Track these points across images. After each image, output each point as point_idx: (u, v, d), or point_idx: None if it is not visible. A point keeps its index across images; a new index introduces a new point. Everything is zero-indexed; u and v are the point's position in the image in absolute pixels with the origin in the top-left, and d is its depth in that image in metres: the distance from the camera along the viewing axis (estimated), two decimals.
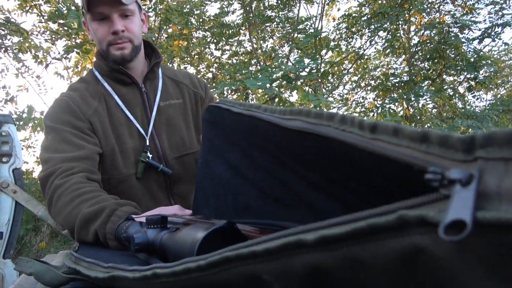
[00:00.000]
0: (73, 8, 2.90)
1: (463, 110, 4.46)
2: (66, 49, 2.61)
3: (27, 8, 3.14)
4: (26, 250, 2.75)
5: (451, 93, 4.61)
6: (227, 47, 4.29)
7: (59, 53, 3.16)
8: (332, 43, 4.35)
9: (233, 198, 0.69)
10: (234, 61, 4.35)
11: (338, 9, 6.75)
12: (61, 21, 2.70)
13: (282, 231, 0.26)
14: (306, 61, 2.53)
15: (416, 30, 4.53)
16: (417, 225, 0.19)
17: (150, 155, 1.02)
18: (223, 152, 0.74)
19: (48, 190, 0.86)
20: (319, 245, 0.23)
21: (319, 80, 3.19)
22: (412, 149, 0.24)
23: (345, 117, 0.33)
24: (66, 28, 2.51)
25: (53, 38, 2.89)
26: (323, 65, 3.63)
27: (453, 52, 4.08)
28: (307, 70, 2.45)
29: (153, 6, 2.55)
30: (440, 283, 0.21)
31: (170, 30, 3.03)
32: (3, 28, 2.68)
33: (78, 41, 3.00)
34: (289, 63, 3.90)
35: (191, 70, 4.29)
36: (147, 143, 1.02)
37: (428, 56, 4.10)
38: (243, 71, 2.86)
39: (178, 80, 1.14)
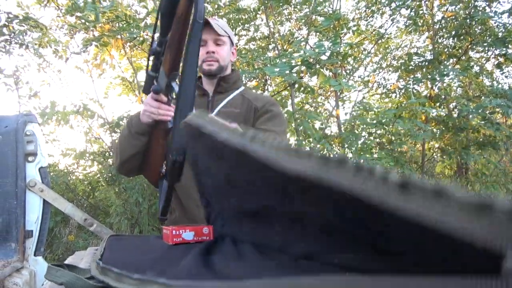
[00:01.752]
0: (89, 0, 2.90)
1: (490, 88, 4.27)
2: (85, 43, 2.62)
3: (44, 2, 3.15)
4: (56, 242, 2.84)
5: (478, 71, 4.42)
6: (244, 32, 4.21)
7: (78, 46, 3.18)
8: (351, 23, 4.21)
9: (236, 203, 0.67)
10: (252, 46, 4.28)
11: None
12: (79, 14, 2.71)
13: None
14: (326, 44, 2.46)
15: (440, 5, 4.33)
16: None
17: None
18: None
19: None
20: None
21: (339, 63, 3.11)
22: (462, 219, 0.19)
23: (361, 165, 0.26)
24: (83, 21, 2.51)
25: (72, 32, 2.90)
26: (343, 46, 3.53)
27: (480, 27, 3.88)
28: (327, 54, 2.38)
29: None
30: None
31: None
32: (23, 24, 2.70)
33: (96, 33, 3.01)
34: (308, 47, 3.81)
35: None
36: None
37: (453, 33, 3.93)
38: (261, 58, 2.81)
39: (246, 97, 1.41)
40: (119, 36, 2.72)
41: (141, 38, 2.59)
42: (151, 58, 1.14)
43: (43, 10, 3.18)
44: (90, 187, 4.15)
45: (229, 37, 1.37)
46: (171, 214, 1.42)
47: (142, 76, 5.69)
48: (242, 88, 1.44)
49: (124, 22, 2.38)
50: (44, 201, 1.28)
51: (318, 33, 3.52)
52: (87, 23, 2.43)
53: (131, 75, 4.10)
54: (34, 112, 3.00)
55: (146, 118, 1.17)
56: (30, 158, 1.27)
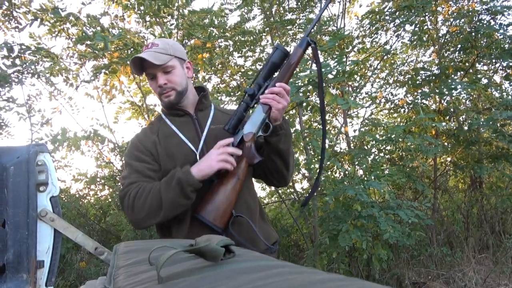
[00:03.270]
0: (98, 28, 2.98)
1: (500, 100, 4.23)
2: (95, 71, 2.68)
3: (56, 33, 3.24)
4: (68, 268, 2.84)
5: (487, 83, 4.39)
6: (250, 54, 4.27)
7: (88, 73, 3.26)
8: (356, 41, 4.25)
9: None
10: (258, 66, 4.33)
11: (360, 5, 6.60)
12: (88, 42, 2.78)
13: None
14: (331, 63, 2.48)
15: (444, 19, 4.35)
16: None
17: None
18: None
19: (127, 201, 1.25)
20: None
21: (345, 81, 3.12)
22: None
23: None
24: (92, 50, 2.58)
25: (82, 60, 2.97)
26: (349, 64, 3.55)
27: (485, 40, 3.87)
28: (333, 73, 2.40)
29: (175, 23, 2.58)
30: None
31: (192, 42, 3.05)
32: (35, 55, 2.78)
33: (105, 60, 3.08)
34: (314, 66, 3.83)
35: (215, 79, 4.29)
36: (197, 158, 1.30)
37: (459, 47, 3.92)
38: None
39: (226, 113, 1.44)
40: (128, 62, 2.78)
41: None
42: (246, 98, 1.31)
43: (54, 40, 3.26)
44: (101, 211, 4.17)
45: (175, 57, 1.33)
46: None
47: (150, 100, 5.76)
48: (212, 104, 1.48)
49: (132, 49, 2.44)
50: (55, 231, 1.28)
51: (323, 52, 3.55)
52: (96, 52, 2.49)
53: (140, 99, 4.16)
54: (46, 139, 3.05)
55: (220, 165, 1.21)
56: (41, 188, 1.28)
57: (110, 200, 4.10)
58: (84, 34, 2.44)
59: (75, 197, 4.03)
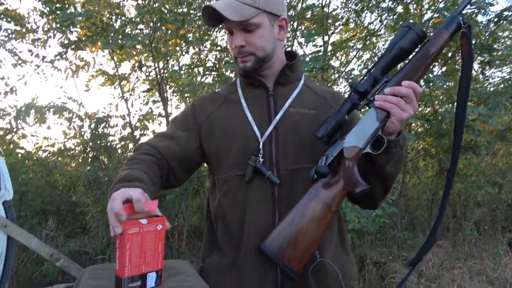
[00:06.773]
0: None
1: (474, 91, 4.29)
2: (62, 48, 2.52)
3: None
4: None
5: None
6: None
7: (56, 43, 3.06)
8: (338, 22, 4.17)
9: None
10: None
11: None
12: (58, 12, 2.59)
13: None
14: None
15: (429, 5, 4.28)
16: None
17: (262, 159, 0.99)
18: None
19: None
20: None
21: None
22: None
23: None
24: (59, 25, 2.42)
25: (49, 33, 2.77)
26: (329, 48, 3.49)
27: None
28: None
29: (147, 7, 2.41)
30: None
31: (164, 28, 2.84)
32: None
33: (75, 34, 2.87)
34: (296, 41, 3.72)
35: (192, 51, 4.04)
36: (260, 146, 1.00)
37: None
38: None
39: (318, 93, 1.11)
40: (95, 41, 2.62)
41: (119, 44, 2.50)
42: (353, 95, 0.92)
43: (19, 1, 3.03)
44: (71, 181, 4.08)
45: (264, 11, 0.99)
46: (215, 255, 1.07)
47: (124, 69, 5.51)
48: (303, 77, 1.12)
49: (100, 29, 2.28)
50: (8, 237, 1.25)
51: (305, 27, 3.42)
52: (63, 28, 2.34)
53: (114, 67, 3.98)
54: (9, 110, 2.92)
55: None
56: None
57: (80, 170, 4.00)
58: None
59: (45, 162, 3.82)
